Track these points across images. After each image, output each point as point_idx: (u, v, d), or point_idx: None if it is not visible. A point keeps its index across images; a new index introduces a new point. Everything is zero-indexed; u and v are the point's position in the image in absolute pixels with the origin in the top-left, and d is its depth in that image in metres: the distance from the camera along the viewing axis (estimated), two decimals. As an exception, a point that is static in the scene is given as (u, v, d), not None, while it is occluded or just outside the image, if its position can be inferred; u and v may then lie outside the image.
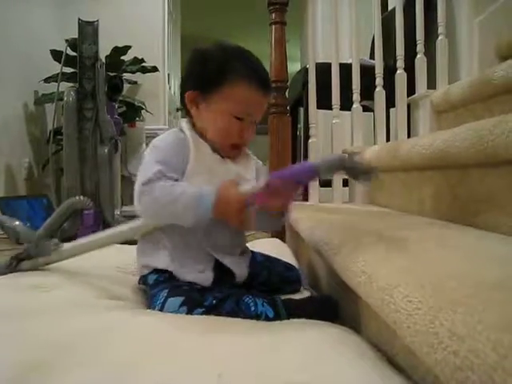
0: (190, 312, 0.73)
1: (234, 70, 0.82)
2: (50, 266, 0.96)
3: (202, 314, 0.72)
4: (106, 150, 1.48)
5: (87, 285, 0.85)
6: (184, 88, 0.88)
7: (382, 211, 1.18)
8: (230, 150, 0.86)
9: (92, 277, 0.90)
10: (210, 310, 0.73)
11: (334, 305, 0.80)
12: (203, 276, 0.82)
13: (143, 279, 0.86)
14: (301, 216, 1.26)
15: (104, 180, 1.51)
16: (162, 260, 0.82)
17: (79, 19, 1.60)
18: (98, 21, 1.58)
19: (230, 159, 0.87)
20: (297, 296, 0.93)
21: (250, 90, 0.82)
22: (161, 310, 0.75)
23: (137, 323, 0.65)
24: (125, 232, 0.88)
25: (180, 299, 0.75)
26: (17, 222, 0.98)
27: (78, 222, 1.50)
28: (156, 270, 0.83)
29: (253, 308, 0.75)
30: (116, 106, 1.80)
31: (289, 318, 0.74)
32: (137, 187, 0.78)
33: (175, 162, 0.80)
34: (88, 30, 1.56)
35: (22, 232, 0.94)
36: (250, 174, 0.90)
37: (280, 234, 1.50)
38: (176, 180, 0.78)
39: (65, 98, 1.46)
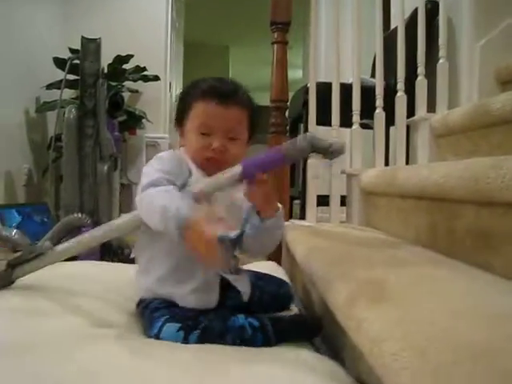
0: (186, 336, 0.76)
1: (195, 93, 0.91)
2: (45, 286, 0.97)
3: (197, 337, 0.76)
4: (105, 168, 1.49)
5: (82, 311, 0.85)
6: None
7: (379, 238, 1.19)
8: (207, 165, 0.90)
9: (87, 302, 0.91)
10: (204, 332, 0.77)
11: (316, 325, 0.85)
12: (207, 299, 0.86)
13: (144, 303, 0.87)
14: (296, 239, 1.26)
15: (103, 197, 1.51)
16: (164, 284, 0.86)
17: (82, 36, 1.60)
18: (100, 38, 1.59)
19: None
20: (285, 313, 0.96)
21: (207, 105, 0.89)
22: (158, 333, 0.78)
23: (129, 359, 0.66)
24: (113, 229, 0.93)
25: (177, 326, 0.78)
26: (14, 231, 0.98)
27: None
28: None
29: (237, 323, 0.79)
30: (116, 122, 1.81)
31: (274, 330, 0.79)
32: (138, 193, 0.83)
33: (177, 172, 0.86)
34: (90, 48, 1.56)
35: (17, 240, 0.94)
36: (241, 198, 0.91)
37: (276, 258, 1.51)
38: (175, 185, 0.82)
39: (66, 115, 1.47)
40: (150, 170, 0.85)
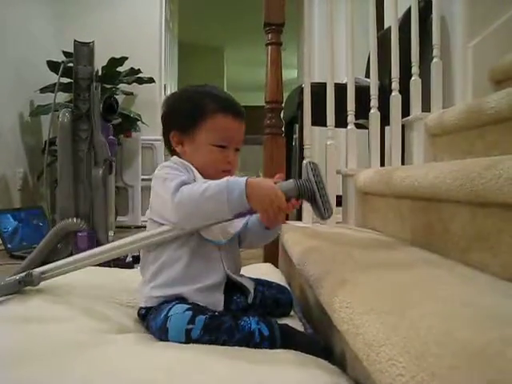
0: (193, 317, 0.77)
1: (210, 105, 0.93)
2: (42, 293, 0.96)
3: (204, 321, 0.77)
4: (100, 172, 1.49)
5: (81, 317, 0.85)
6: (167, 130, 0.97)
7: (375, 239, 1.19)
8: (220, 176, 0.90)
9: (86, 308, 0.90)
10: (212, 319, 0.78)
11: (323, 348, 0.82)
12: (212, 298, 0.87)
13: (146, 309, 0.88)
14: (293, 240, 1.26)
15: (98, 201, 1.51)
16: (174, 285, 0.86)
17: (75, 40, 1.60)
18: (93, 42, 1.58)
19: None
20: (288, 320, 0.94)
21: (227, 119, 0.93)
22: (167, 314, 0.79)
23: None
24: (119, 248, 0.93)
25: (186, 306, 0.80)
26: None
27: (72, 244, 1.51)
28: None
29: (247, 326, 0.78)
30: (111, 126, 1.81)
31: (282, 342, 0.78)
32: (169, 201, 0.82)
33: (188, 177, 0.87)
34: (83, 51, 1.56)
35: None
36: None
37: (272, 259, 1.51)
38: None
39: (60, 119, 1.47)
40: (168, 179, 0.85)
